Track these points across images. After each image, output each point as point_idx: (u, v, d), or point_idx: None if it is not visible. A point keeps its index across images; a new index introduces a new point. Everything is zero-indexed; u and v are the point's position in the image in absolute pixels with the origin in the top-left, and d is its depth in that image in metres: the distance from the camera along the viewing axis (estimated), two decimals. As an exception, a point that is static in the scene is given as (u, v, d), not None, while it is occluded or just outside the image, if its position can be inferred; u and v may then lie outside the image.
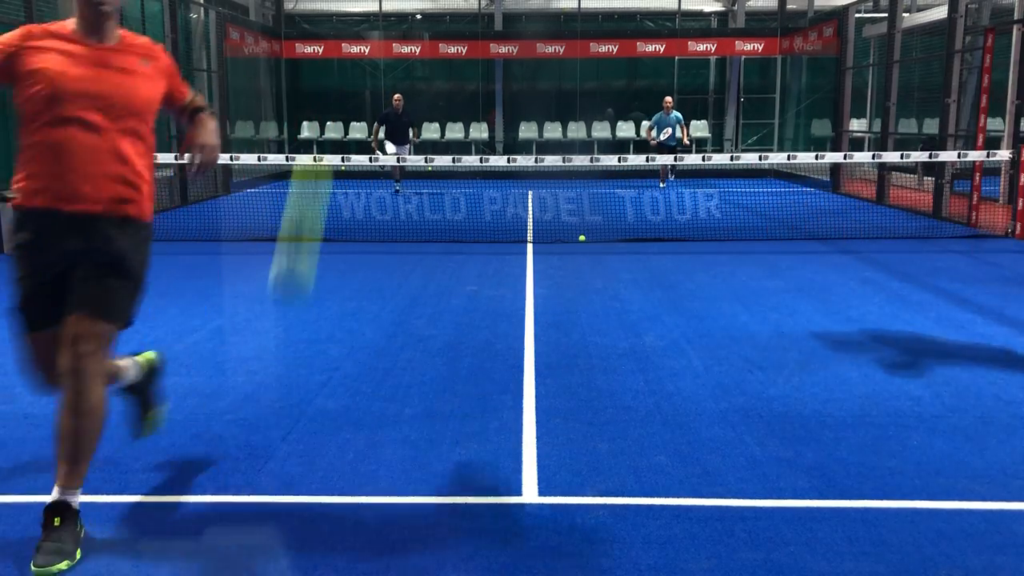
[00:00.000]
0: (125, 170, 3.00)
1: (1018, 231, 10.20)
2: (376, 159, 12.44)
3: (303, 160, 11.74)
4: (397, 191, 15.83)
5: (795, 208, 13.00)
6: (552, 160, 10.64)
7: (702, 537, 3.01)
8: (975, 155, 10.57)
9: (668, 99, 16.98)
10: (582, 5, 22.24)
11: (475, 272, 8.24)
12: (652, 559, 2.87)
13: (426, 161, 12.34)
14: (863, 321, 6.20)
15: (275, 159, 13.11)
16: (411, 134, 15.84)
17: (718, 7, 23.84)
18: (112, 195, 2.98)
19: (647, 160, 12.30)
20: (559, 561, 2.86)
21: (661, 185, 17.06)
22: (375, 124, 15.99)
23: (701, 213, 13.07)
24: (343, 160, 13.25)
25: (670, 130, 16.55)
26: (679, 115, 16.85)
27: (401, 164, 13.53)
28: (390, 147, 15.75)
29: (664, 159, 14.00)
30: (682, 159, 13.07)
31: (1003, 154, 10.68)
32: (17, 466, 3.64)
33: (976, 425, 4.12)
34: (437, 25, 23.96)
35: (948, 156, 10.87)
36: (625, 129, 22.37)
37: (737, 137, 23.03)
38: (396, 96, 15.85)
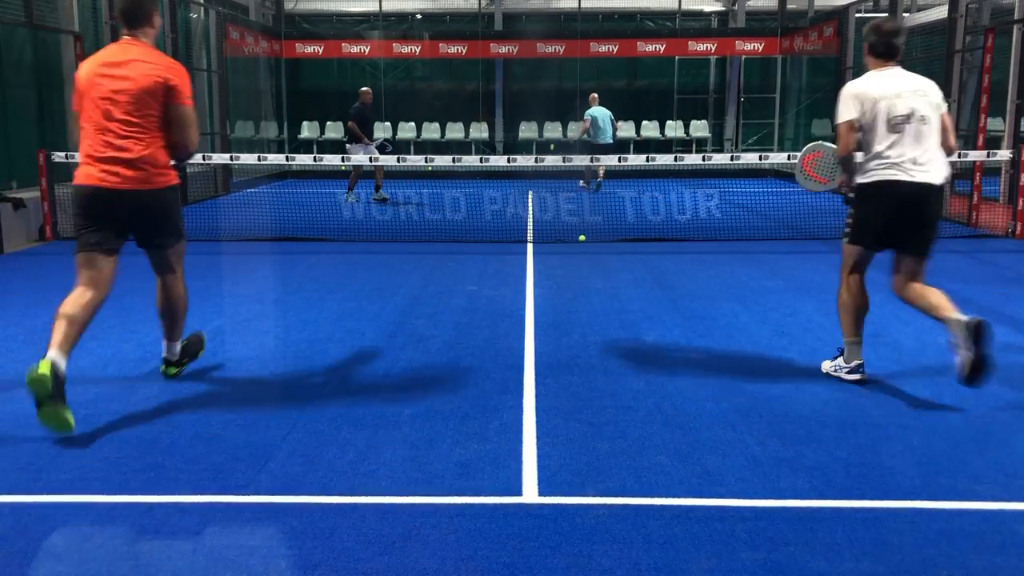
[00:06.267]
0: None
1: (1018, 231, 10.20)
2: (375, 156, 12.35)
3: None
4: (348, 199, 13.86)
5: (795, 208, 12.98)
6: (552, 160, 10.64)
7: (702, 537, 3.01)
8: (975, 155, 10.56)
9: (594, 95, 16.28)
10: (582, 5, 22.23)
11: (475, 272, 8.24)
12: (652, 559, 2.87)
13: (426, 161, 12.32)
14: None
15: (275, 159, 13.11)
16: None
17: (718, 7, 23.84)
18: None
19: (647, 160, 12.28)
20: (559, 561, 2.85)
21: (584, 184, 16.00)
22: (351, 123, 13.86)
23: (701, 213, 13.07)
24: (343, 160, 13.25)
25: (610, 128, 15.83)
26: (608, 111, 16.04)
27: (372, 164, 12.41)
28: (357, 148, 13.70)
29: (594, 160, 12.58)
30: (597, 160, 12.71)
31: (1003, 154, 10.67)
32: (17, 466, 3.64)
33: (976, 425, 4.13)
34: (437, 25, 23.95)
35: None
36: (625, 129, 22.34)
37: (737, 137, 23.03)
38: (364, 89, 14.14)
